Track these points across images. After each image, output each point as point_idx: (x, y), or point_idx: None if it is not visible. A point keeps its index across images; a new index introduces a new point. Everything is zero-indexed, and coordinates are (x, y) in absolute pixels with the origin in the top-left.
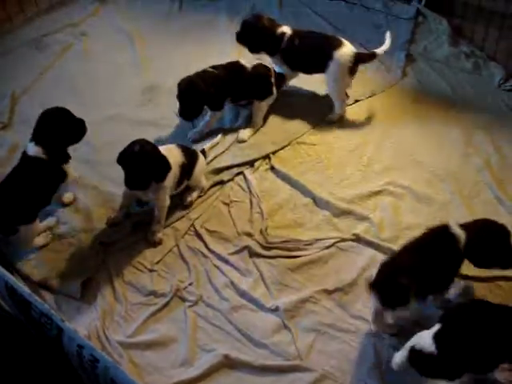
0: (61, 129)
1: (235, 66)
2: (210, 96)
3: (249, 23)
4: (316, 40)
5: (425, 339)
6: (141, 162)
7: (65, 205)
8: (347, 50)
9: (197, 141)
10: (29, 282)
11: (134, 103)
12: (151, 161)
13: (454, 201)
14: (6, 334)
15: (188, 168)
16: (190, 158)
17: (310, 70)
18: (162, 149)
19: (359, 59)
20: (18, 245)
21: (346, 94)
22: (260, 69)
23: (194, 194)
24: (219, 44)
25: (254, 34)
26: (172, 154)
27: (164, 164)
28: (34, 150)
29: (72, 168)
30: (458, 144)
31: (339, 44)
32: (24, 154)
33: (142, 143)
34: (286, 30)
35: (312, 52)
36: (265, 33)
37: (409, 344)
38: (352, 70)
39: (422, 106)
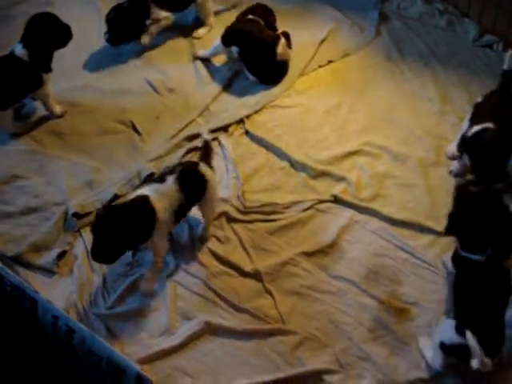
0: (46, 32)
1: None
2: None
3: None
4: None
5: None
6: (109, 231)
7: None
8: None
9: None
10: (3, 258)
11: (102, 72)
12: (121, 229)
13: (432, 158)
14: None
15: (191, 197)
16: (194, 184)
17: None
18: (153, 194)
19: None
20: None
21: None
22: None
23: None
24: None
25: None
26: (163, 197)
27: (146, 224)
28: (19, 51)
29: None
30: (433, 102)
31: None
32: (11, 52)
33: (107, 208)
34: None
35: None
36: None
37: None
38: None
39: (396, 65)
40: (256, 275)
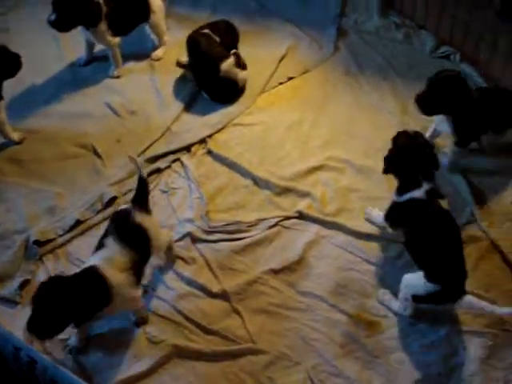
0: None
1: None
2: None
3: None
4: None
5: None
6: (50, 304)
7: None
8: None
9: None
10: None
11: (62, 96)
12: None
13: None
14: None
15: (138, 249)
16: (133, 237)
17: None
18: (100, 262)
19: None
20: None
21: None
22: None
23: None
24: None
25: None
26: (111, 261)
27: (96, 295)
28: None
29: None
30: (394, 114)
31: None
32: None
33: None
34: None
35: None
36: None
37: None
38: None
39: (355, 79)
40: (223, 295)
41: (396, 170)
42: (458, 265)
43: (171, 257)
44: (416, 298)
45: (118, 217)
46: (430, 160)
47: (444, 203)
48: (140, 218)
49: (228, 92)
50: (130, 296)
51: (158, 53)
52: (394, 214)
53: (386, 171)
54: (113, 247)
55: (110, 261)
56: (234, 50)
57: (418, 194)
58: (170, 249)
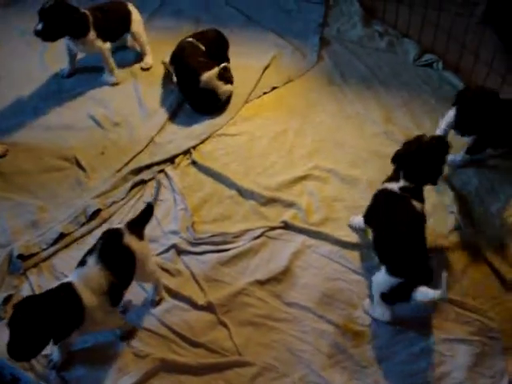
0: None
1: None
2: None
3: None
4: (113, 6)
5: None
6: (26, 325)
7: None
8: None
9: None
10: None
11: (45, 109)
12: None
13: (380, 179)
14: None
15: (120, 273)
16: (118, 260)
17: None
18: (76, 280)
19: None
20: None
21: None
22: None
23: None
24: None
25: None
26: (88, 281)
27: (70, 314)
28: None
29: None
30: (378, 123)
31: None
32: None
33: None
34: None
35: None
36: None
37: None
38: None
39: (339, 89)
40: (209, 308)
41: (400, 165)
42: (418, 258)
43: (157, 292)
44: (383, 296)
45: (107, 236)
46: (432, 169)
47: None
48: (130, 240)
49: (209, 104)
50: (100, 321)
51: (148, 60)
52: (368, 209)
53: (392, 160)
54: (93, 267)
55: (88, 280)
56: (223, 64)
57: (392, 186)
58: (157, 283)
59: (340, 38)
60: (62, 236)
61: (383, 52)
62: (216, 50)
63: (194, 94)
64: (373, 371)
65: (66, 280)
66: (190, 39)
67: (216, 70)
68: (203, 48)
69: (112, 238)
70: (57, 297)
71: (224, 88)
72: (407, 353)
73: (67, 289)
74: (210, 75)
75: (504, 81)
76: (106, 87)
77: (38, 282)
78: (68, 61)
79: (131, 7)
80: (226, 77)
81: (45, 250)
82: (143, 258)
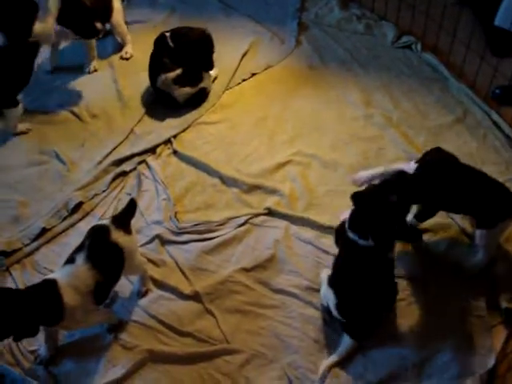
0: None
1: None
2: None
3: None
4: None
5: None
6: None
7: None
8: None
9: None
10: None
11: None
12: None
13: (361, 162)
14: None
15: (108, 272)
16: (107, 258)
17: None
18: (60, 277)
19: None
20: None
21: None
22: None
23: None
24: None
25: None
26: (73, 279)
27: (47, 311)
28: None
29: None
30: (358, 106)
31: None
32: None
33: None
34: None
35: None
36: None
37: None
38: None
39: (319, 73)
40: (196, 297)
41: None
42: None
43: (144, 283)
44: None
45: (94, 233)
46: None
47: None
48: (117, 236)
49: (168, 102)
50: (81, 320)
51: (128, 50)
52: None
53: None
54: (81, 266)
55: (73, 279)
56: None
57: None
58: (143, 275)
59: (318, 23)
60: (44, 231)
61: (361, 35)
62: (194, 52)
63: (156, 90)
64: (361, 354)
65: (50, 276)
66: (167, 34)
67: (176, 72)
68: (172, 45)
69: (99, 235)
70: (37, 291)
71: (180, 91)
72: (394, 334)
73: (49, 285)
74: (165, 78)
75: (483, 59)
76: (84, 79)
77: (22, 278)
78: (50, 53)
79: None
80: (183, 81)
81: (27, 245)
82: (131, 252)
